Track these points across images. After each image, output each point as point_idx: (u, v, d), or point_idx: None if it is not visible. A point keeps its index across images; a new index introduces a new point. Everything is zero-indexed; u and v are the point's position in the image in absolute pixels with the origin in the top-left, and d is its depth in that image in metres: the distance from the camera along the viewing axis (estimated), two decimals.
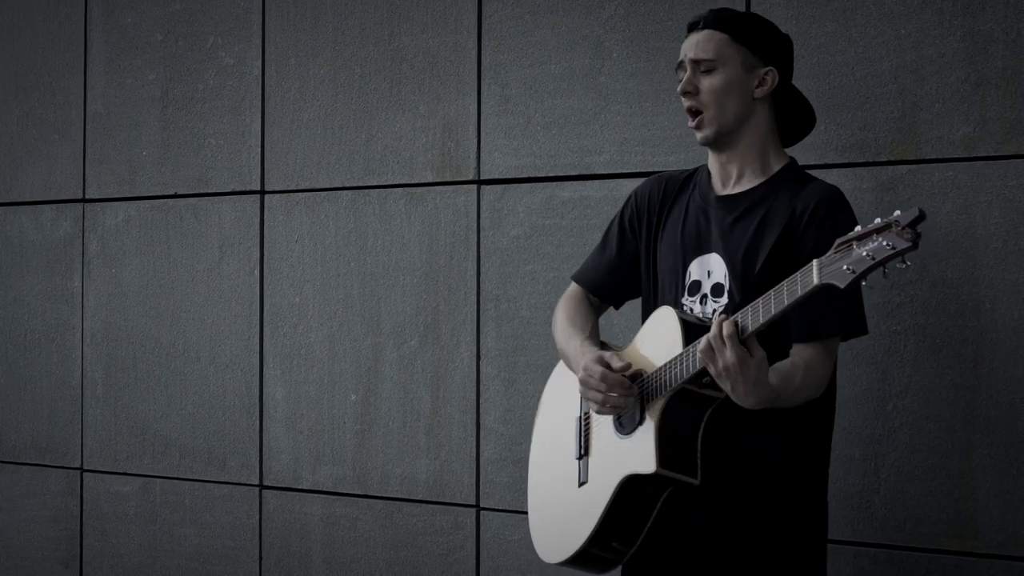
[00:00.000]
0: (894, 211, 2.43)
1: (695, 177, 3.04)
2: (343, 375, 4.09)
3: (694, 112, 2.92)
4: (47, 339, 4.71)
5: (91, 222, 4.61)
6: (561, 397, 3.10)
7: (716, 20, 2.92)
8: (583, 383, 2.89)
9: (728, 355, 2.58)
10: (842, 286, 2.44)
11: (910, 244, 2.39)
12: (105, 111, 4.57)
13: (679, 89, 2.93)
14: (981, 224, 3.12)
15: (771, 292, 2.56)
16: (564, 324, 3.10)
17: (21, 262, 4.76)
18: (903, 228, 2.39)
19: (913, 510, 3.20)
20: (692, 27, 2.95)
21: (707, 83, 2.89)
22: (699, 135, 2.93)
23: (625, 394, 2.82)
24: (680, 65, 2.95)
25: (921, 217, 2.39)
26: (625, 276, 3.09)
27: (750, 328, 2.57)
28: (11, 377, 4.79)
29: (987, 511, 3.12)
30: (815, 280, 2.48)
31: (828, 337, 2.80)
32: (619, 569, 3.01)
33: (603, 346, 3.04)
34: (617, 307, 3.20)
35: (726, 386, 2.62)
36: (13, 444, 4.79)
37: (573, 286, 3.18)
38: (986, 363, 3.11)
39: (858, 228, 2.46)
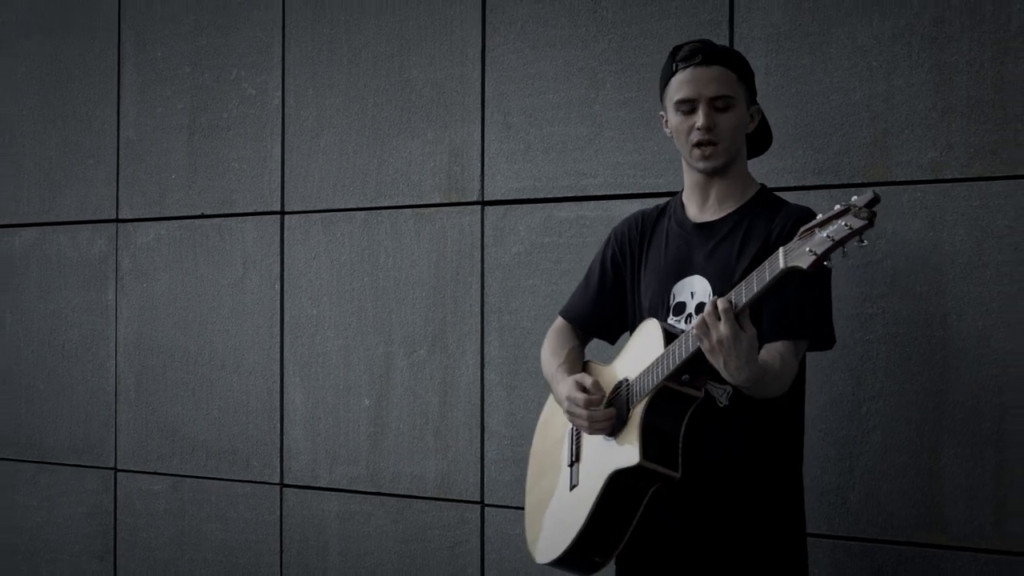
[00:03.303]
0: (852, 196, 2.44)
1: (668, 209, 3.01)
2: (357, 381, 4.08)
3: (707, 143, 2.84)
4: (84, 349, 4.70)
5: (124, 240, 4.60)
6: (556, 415, 3.08)
7: (724, 57, 2.85)
8: (569, 413, 2.89)
9: (722, 328, 2.53)
10: (806, 267, 2.43)
11: (865, 222, 2.39)
12: (137, 138, 4.57)
13: (699, 124, 2.82)
14: (948, 241, 3.12)
15: (749, 277, 2.54)
16: (546, 356, 3.11)
17: (59, 278, 4.76)
18: (860, 209, 2.40)
19: (885, 506, 3.19)
20: (690, 60, 2.84)
21: (724, 120, 2.83)
22: (707, 164, 2.86)
23: (606, 415, 2.82)
24: (687, 102, 2.85)
25: (876, 199, 2.40)
26: (608, 310, 3.06)
27: (741, 304, 2.54)
28: (50, 384, 4.79)
29: (954, 506, 3.11)
30: (781, 264, 2.47)
31: (798, 338, 2.77)
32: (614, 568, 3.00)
33: (585, 366, 3.04)
34: (611, 342, 3.12)
35: (718, 361, 2.57)
36: (52, 446, 4.78)
37: (559, 319, 3.16)
38: (953, 370, 3.11)
39: (819, 216, 2.46)
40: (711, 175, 2.90)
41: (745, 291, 2.55)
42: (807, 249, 2.43)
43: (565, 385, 2.93)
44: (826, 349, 2.89)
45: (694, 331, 2.59)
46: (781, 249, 2.49)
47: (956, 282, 3.11)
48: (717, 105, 2.83)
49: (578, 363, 3.05)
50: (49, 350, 4.79)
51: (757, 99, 2.95)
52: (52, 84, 4.78)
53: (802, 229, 2.47)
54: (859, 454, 3.21)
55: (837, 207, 2.44)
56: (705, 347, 2.58)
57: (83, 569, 4.69)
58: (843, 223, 2.41)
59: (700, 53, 2.84)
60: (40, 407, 4.81)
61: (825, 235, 2.42)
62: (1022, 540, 3.04)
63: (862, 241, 2.41)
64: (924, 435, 3.14)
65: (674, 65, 2.89)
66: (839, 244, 2.41)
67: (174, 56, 4.49)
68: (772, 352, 2.72)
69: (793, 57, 3.32)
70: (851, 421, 3.22)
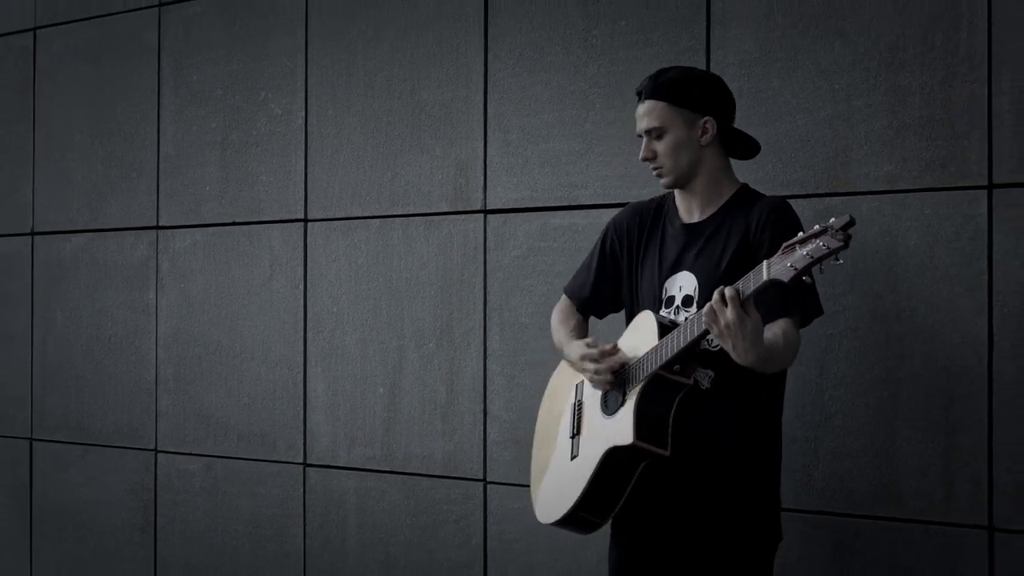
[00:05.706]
0: (830, 218, 2.45)
1: (664, 205, 3.03)
2: (373, 372, 4.09)
3: (655, 167, 2.92)
4: (127, 342, 4.71)
5: (164, 245, 4.62)
6: (560, 391, 3.11)
7: (654, 90, 2.89)
8: (583, 358, 2.90)
9: (729, 314, 2.54)
10: (785, 280, 2.46)
11: (842, 244, 2.41)
12: (175, 153, 4.59)
13: (640, 157, 2.92)
14: (902, 245, 3.13)
15: (746, 276, 2.56)
16: (557, 325, 3.16)
17: (106, 279, 4.77)
18: (836, 231, 2.41)
19: (847, 483, 3.20)
20: (638, 96, 2.93)
21: (660, 147, 2.88)
22: (662, 182, 2.94)
23: (610, 367, 2.84)
24: (639, 136, 2.94)
25: (852, 222, 2.41)
26: (604, 294, 3.10)
27: (747, 293, 2.55)
28: (97, 374, 4.80)
29: (908, 484, 3.13)
30: (764, 276, 2.50)
31: (792, 315, 2.78)
32: (609, 539, 3.02)
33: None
34: (600, 317, 3.19)
35: (727, 344, 2.58)
36: (99, 430, 4.79)
37: (564, 298, 3.20)
38: (906, 361, 3.12)
39: (800, 233, 2.48)
40: (675, 187, 2.94)
41: (751, 282, 2.55)
42: (788, 264, 2.45)
43: (576, 345, 2.97)
44: (816, 317, 2.88)
45: (704, 317, 2.59)
46: (765, 262, 2.51)
47: (909, 283, 3.12)
48: (653, 135, 2.89)
49: (583, 335, 3.10)
50: (96, 344, 4.80)
51: (714, 112, 2.89)
52: (99, 106, 4.79)
53: (785, 245, 2.49)
54: (823, 436, 3.23)
55: (816, 227, 2.44)
56: (714, 332, 2.58)
57: (126, 540, 4.70)
58: (821, 243, 2.41)
59: (640, 92, 2.93)
60: (88, 395, 4.82)
61: (805, 252, 2.43)
62: (968, 514, 3.05)
63: (837, 260, 2.42)
64: (881, 420, 3.15)
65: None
66: (817, 262, 2.42)
67: (208, 80, 4.50)
68: (775, 330, 2.72)
69: (763, 81, 3.33)
70: (815, 407, 3.23)
